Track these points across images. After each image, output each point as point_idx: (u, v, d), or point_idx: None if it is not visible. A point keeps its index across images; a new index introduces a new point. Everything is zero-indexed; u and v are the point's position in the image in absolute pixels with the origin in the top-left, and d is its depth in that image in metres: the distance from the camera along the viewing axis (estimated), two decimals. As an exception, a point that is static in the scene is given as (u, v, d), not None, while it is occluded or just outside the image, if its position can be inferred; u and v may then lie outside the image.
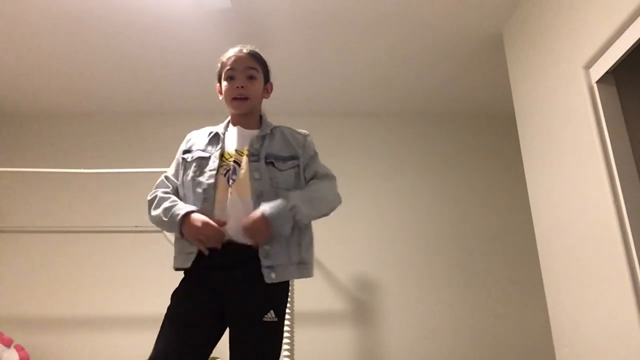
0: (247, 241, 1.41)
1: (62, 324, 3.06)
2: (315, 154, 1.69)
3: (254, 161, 1.50)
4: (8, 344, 2.76)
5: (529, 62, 2.49)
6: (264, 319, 1.38)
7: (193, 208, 1.44)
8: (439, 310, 3.20)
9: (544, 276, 2.34)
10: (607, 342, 1.85)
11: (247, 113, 1.61)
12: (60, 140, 3.52)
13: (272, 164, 1.52)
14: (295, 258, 1.48)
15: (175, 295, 1.47)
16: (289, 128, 1.69)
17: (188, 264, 1.44)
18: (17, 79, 3.18)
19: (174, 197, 1.53)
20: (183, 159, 1.59)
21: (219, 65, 1.63)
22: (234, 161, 1.50)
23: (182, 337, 1.35)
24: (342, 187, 3.81)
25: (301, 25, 2.76)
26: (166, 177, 1.62)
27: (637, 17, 1.74)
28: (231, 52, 1.61)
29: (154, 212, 1.52)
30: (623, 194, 1.82)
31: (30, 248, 3.23)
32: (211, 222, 1.39)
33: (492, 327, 3.17)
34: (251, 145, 1.54)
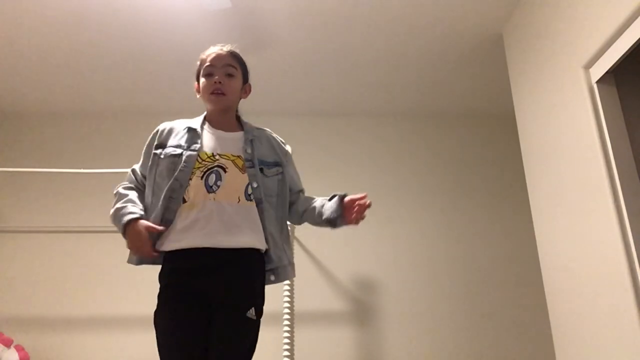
0: (329, 225, 1.51)
1: (62, 324, 3.06)
2: (293, 164, 1.71)
3: (250, 167, 1.50)
4: (8, 344, 2.76)
5: (529, 62, 2.49)
6: (247, 315, 1.38)
7: (137, 215, 1.42)
8: (439, 310, 3.20)
9: (544, 277, 2.34)
10: (608, 344, 1.85)
11: (224, 110, 1.60)
12: (60, 140, 3.52)
13: (261, 170, 1.52)
14: (286, 259, 1.51)
15: (160, 321, 1.40)
16: (269, 131, 1.69)
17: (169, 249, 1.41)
18: (17, 79, 3.18)
19: (129, 195, 1.51)
20: (154, 154, 1.55)
21: (198, 62, 1.64)
22: (218, 165, 1.48)
23: None
24: (342, 187, 3.80)
25: (301, 25, 2.76)
26: (133, 171, 1.61)
27: (637, 17, 1.74)
28: (211, 50, 1.63)
29: (111, 210, 1.51)
30: (623, 194, 1.82)
31: (30, 248, 3.23)
32: (144, 233, 1.39)
33: (492, 328, 3.17)
34: (244, 151, 1.52)
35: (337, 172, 3.49)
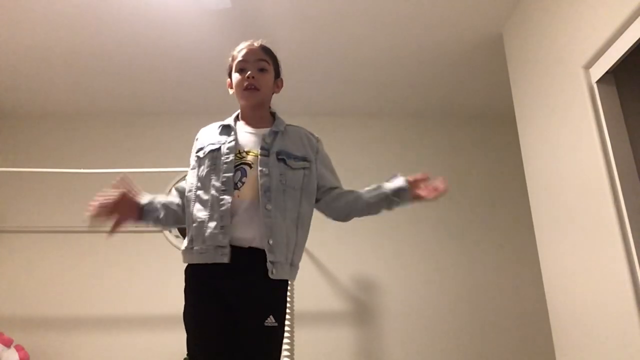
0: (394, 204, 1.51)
1: (62, 324, 3.06)
2: (330, 162, 1.69)
3: (264, 155, 1.47)
4: (8, 344, 2.76)
5: (529, 62, 2.49)
6: (265, 324, 1.35)
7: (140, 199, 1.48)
8: (439, 310, 3.20)
9: (544, 277, 2.34)
10: (607, 343, 1.85)
11: (257, 105, 1.59)
12: (60, 140, 3.52)
13: (283, 160, 1.49)
14: (289, 258, 1.47)
15: (191, 319, 1.39)
16: (303, 128, 1.66)
17: (226, 259, 1.36)
18: (17, 79, 3.18)
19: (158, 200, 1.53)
20: (197, 157, 1.53)
21: (230, 59, 1.62)
22: (244, 162, 1.46)
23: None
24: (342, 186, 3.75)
25: (301, 25, 2.76)
26: (175, 188, 1.59)
27: (637, 17, 1.74)
28: (243, 45, 1.61)
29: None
30: (623, 194, 1.82)
31: (30, 248, 3.23)
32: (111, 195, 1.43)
33: (492, 327, 3.17)
34: (263, 141, 1.50)
35: (336, 172, 3.48)
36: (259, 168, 1.45)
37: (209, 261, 1.38)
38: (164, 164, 3.16)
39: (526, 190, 2.53)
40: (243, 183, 1.43)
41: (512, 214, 3.42)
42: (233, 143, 1.49)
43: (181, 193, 1.55)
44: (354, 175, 3.57)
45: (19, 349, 2.79)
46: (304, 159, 1.55)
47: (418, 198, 1.50)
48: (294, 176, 1.49)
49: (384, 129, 3.67)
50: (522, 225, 3.30)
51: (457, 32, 2.82)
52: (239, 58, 1.57)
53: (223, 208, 1.39)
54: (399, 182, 1.53)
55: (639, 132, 1.93)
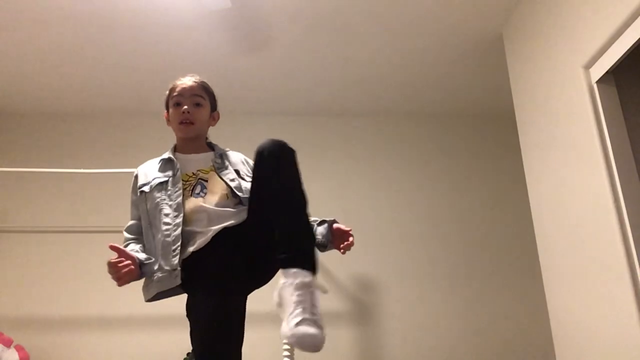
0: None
1: (62, 324, 3.06)
2: None
3: (223, 168, 1.60)
4: (8, 344, 2.76)
5: (529, 62, 2.49)
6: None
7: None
8: (439, 310, 3.20)
9: (544, 276, 2.34)
10: (608, 343, 1.85)
11: (193, 138, 1.67)
12: (60, 140, 3.52)
13: (237, 172, 1.61)
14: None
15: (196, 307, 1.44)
16: (240, 154, 1.76)
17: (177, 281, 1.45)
18: (17, 79, 3.18)
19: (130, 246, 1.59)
20: (141, 192, 1.60)
21: (167, 92, 1.71)
22: (200, 179, 1.57)
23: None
24: (342, 186, 3.79)
25: (301, 25, 2.76)
26: (126, 230, 1.63)
27: (637, 17, 1.74)
28: (180, 81, 1.71)
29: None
30: (623, 194, 1.82)
31: (30, 248, 3.23)
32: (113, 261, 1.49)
33: (492, 327, 3.17)
34: (214, 161, 1.62)
35: (337, 172, 3.49)
36: (220, 173, 1.58)
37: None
38: (164, 164, 3.15)
39: (526, 190, 2.53)
40: (205, 192, 1.55)
41: (512, 214, 3.42)
42: (179, 172, 1.59)
43: (136, 234, 1.62)
44: (353, 175, 3.58)
45: (19, 349, 2.79)
46: (248, 175, 1.64)
47: (338, 250, 1.61)
48: (246, 185, 1.59)
49: (384, 129, 3.67)
50: (523, 224, 3.30)
51: (457, 32, 2.82)
52: (175, 93, 1.67)
53: (176, 233, 1.48)
54: (322, 236, 1.61)
55: (639, 132, 1.93)
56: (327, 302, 3.20)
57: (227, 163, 1.64)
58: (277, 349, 2.51)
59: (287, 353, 2.43)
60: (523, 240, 3.32)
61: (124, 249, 1.51)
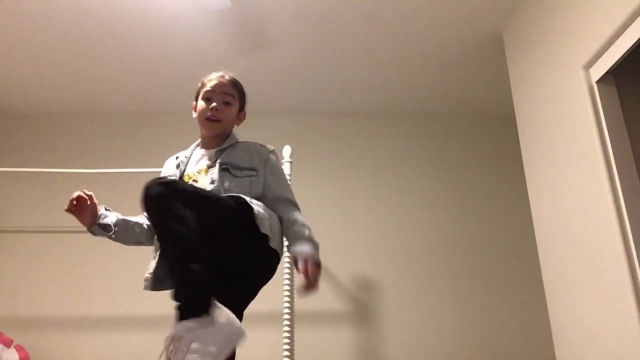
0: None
1: (62, 324, 3.06)
2: (280, 172, 1.72)
3: (210, 167, 1.59)
4: (8, 344, 2.76)
5: (529, 62, 2.49)
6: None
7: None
8: (439, 310, 3.20)
9: (544, 276, 2.34)
10: (609, 349, 1.85)
11: (217, 135, 1.67)
12: (60, 140, 3.52)
13: (227, 170, 1.58)
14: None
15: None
16: (256, 143, 1.73)
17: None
18: (16, 78, 3.18)
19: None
20: None
21: (199, 84, 1.70)
22: (194, 180, 1.59)
23: None
24: (343, 187, 3.79)
25: (301, 25, 2.76)
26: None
27: (637, 17, 1.74)
28: (213, 76, 1.70)
29: None
30: (623, 194, 1.82)
31: (30, 248, 3.23)
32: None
33: (492, 327, 3.17)
34: (210, 159, 1.62)
35: (337, 172, 3.49)
36: (209, 177, 1.56)
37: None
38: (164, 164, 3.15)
39: (526, 190, 2.53)
40: None
41: (513, 214, 3.42)
42: (184, 173, 1.64)
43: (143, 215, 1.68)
44: (353, 175, 3.57)
45: (19, 349, 2.79)
46: (251, 169, 1.62)
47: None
48: (239, 183, 1.57)
49: (384, 129, 3.66)
50: (523, 225, 3.30)
51: (457, 32, 2.82)
52: (207, 87, 1.66)
53: None
54: (301, 254, 1.51)
55: (639, 132, 1.93)
56: (327, 302, 3.21)
57: (219, 160, 1.61)
58: (277, 349, 2.50)
59: (287, 353, 2.43)
60: (523, 240, 3.31)
61: (93, 199, 1.63)
